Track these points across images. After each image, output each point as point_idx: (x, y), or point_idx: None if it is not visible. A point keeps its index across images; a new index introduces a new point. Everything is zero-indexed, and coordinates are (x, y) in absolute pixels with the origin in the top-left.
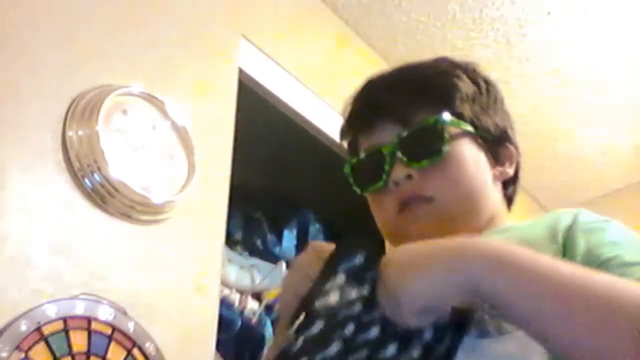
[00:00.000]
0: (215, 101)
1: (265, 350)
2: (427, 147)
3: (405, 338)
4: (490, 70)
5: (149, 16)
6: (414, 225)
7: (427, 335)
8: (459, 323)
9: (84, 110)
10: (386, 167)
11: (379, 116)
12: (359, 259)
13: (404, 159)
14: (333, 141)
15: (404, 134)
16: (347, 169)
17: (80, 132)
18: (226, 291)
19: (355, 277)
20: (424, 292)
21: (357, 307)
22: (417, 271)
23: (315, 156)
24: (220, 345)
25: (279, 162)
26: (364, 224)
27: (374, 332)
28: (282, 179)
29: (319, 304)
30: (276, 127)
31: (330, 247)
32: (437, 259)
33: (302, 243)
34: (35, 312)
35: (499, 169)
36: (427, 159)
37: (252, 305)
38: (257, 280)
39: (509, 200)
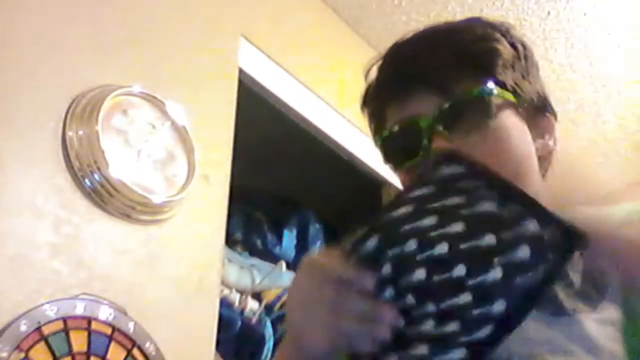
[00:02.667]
0: (215, 101)
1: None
2: (472, 120)
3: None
4: None
5: (149, 16)
6: None
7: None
8: (569, 242)
9: (84, 110)
10: (424, 142)
11: (415, 85)
12: (457, 168)
13: (445, 133)
14: (333, 141)
15: (445, 105)
16: (377, 142)
17: (80, 132)
18: (226, 291)
19: (448, 187)
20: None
21: (430, 221)
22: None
23: (315, 156)
24: (220, 345)
25: (279, 162)
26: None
27: (441, 248)
28: (282, 179)
29: (382, 217)
30: (276, 127)
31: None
32: None
33: (302, 243)
34: (35, 312)
35: (540, 141)
36: (472, 133)
37: (252, 305)
38: (257, 280)
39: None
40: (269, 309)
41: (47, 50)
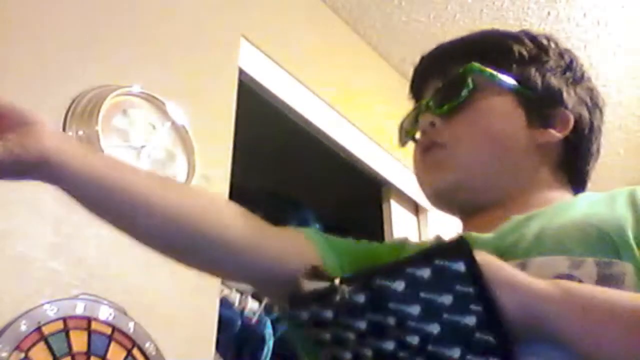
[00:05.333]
0: (215, 101)
1: None
2: (453, 95)
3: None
4: None
5: (149, 16)
6: (427, 174)
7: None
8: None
9: (84, 110)
10: (419, 118)
11: (430, 74)
12: (459, 266)
13: (432, 107)
14: (333, 141)
15: (439, 85)
16: (397, 126)
17: (80, 132)
18: (226, 291)
19: (443, 281)
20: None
21: (414, 310)
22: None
23: (315, 156)
24: (220, 345)
25: (279, 162)
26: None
27: (412, 339)
28: (282, 179)
29: (379, 280)
30: (276, 127)
31: None
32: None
33: None
34: (35, 312)
35: (543, 130)
36: (447, 104)
37: (252, 305)
38: None
39: (578, 178)
40: (269, 309)
41: (47, 50)
